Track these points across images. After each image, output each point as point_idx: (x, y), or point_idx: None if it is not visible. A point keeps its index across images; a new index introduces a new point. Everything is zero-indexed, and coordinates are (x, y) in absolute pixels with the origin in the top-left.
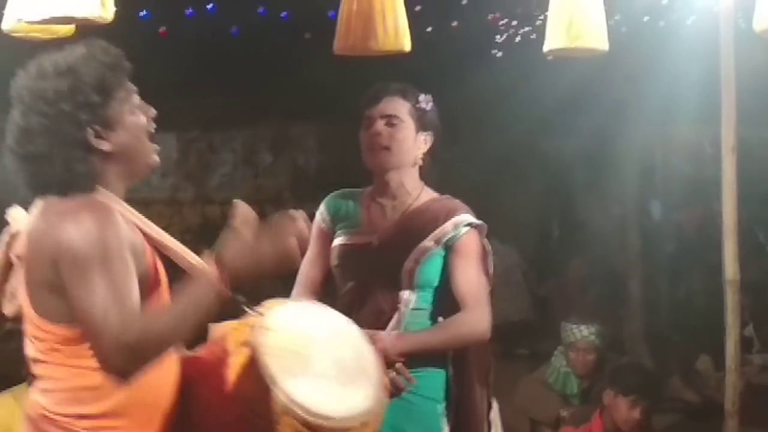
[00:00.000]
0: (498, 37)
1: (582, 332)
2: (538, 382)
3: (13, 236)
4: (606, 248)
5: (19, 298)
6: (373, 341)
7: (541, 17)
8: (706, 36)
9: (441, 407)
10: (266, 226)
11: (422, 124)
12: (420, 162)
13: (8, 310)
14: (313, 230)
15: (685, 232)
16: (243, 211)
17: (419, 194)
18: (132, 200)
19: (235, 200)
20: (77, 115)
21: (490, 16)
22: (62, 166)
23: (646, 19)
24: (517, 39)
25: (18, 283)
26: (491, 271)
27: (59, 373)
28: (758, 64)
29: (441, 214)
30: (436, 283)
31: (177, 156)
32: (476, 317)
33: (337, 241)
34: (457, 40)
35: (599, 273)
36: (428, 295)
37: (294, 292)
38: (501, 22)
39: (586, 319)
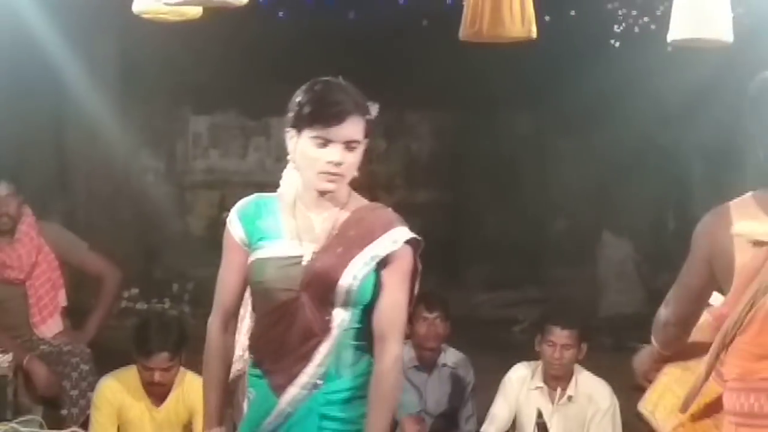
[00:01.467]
0: (616, 26)
1: None
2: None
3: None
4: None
5: None
6: None
7: (661, 7)
8: None
9: None
10: None
11: (368, 134)
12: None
13: None
14: (227, 242)
15: None
16: None
17: (347, 201)
18: (248, 183)
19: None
20: None
21: (609, 6)
22: None
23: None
24: (636, 29)
25: None
26: (416, 290)
27: None
28: None
29: (377, 226)
30: (367, 301)
31: None
32: (392, 360)
33: (259, 254)
34: (575, 30)
35: None
36: (359, 313)
37: (221, 299)
38: (620, 12)
39: None
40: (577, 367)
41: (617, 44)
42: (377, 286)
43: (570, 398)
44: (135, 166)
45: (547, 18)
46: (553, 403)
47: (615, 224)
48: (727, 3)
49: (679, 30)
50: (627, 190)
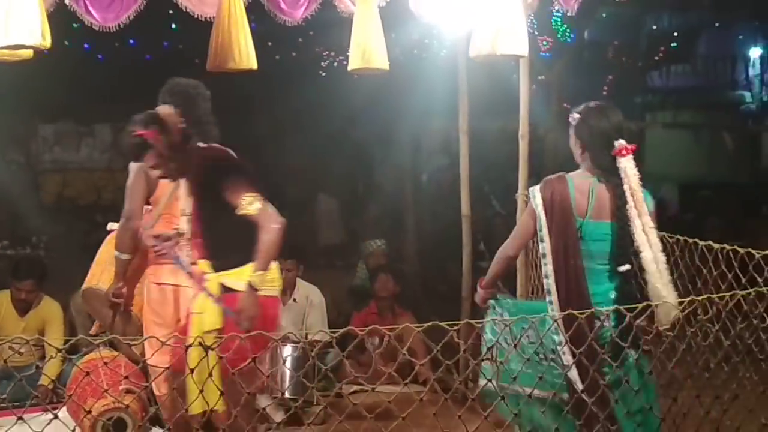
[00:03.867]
0: (323, 62)
1: (377, 245)
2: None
3: None
4: (393, 199)
5: None
6: None
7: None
8: (451, 62)
9: None
10: None
11: None
12: None
13: None
14: None
15: (441, 188)
16: None
17: None
18: (79, 168)
19: None
20: None
21: (317, 49)
22: None
23: (415, 51)
24: (335, 64)
25: None
26: None
27: None
28: (480, 79)
29: None
30: None
31: (111, 140)
32: None
33: None
34: (297, 65)
35: (389, 213)
36: None
37: None
38: (324, 53)
39: (378, 238)
40: (298, 280)
41: (323, 74)
42: None
43: (294, 300)
44: (2, 160)
45: (277, 57)
46: (284, 304)
47: (325, 189)
48: (384, 43)
49: (354, 62)
50: (332, 168)
